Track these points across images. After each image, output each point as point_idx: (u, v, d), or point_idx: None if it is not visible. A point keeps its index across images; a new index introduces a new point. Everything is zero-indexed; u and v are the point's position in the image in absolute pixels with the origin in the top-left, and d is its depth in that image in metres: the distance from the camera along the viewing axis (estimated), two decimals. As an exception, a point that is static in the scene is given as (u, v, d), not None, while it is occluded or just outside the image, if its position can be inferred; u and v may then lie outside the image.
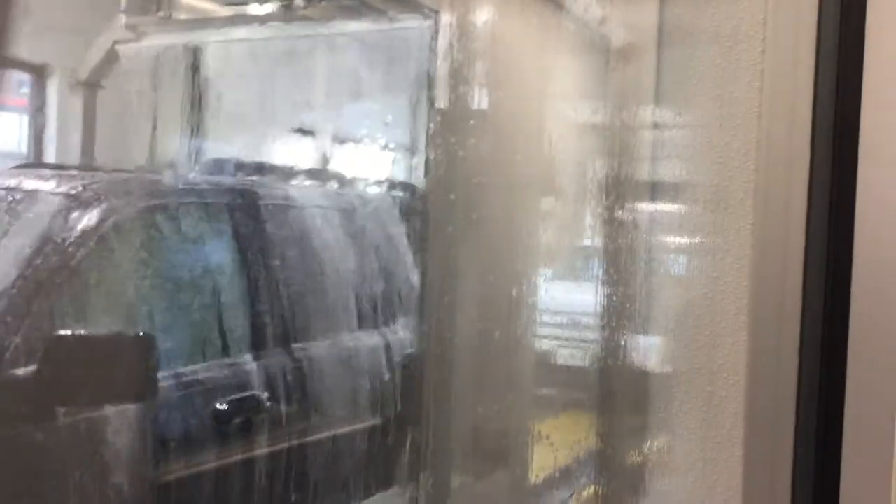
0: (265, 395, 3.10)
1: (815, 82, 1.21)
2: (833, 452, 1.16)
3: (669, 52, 1.31)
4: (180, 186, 3.36)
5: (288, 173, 3.96)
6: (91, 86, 4.12)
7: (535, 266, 1.67)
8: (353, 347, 3.59)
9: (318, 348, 3.45)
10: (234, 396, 2.99)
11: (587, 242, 1.62)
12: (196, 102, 4.36)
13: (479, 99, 1.76)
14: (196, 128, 4.43)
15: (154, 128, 4.15)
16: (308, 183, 4.02)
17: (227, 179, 3.58)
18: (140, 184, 3.20)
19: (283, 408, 3.20)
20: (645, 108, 1.39)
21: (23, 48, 4.25)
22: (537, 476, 1.62)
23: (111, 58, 4.05)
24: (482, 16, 1.81)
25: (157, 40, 4.00)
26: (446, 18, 1.82)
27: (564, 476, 1.66)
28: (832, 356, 1.18)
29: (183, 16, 4.23)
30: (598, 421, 1.42)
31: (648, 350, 1.40)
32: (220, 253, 3.21)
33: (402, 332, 3.76)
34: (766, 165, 1.21)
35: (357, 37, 3.84)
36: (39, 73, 4.58)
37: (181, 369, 2.90)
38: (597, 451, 1.42)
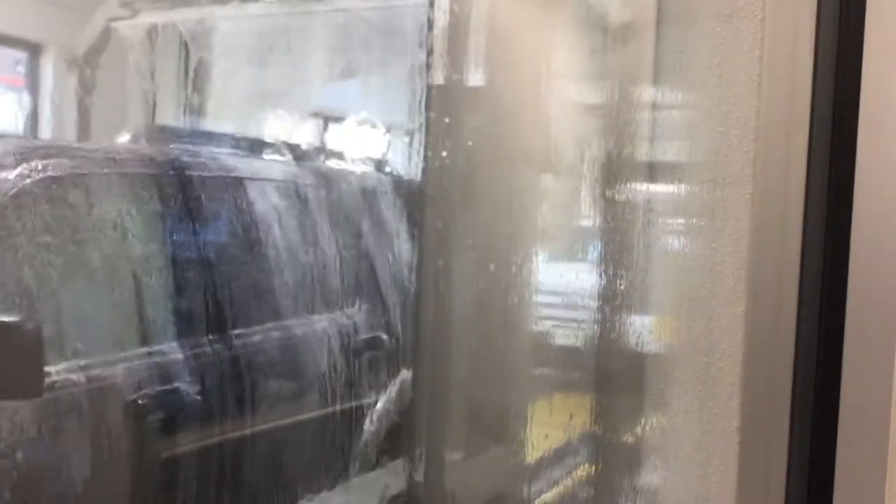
0: (193, 387, 2.77)
1: (815, 55, 1.21)
2: (829, 423, 1.17)
3: (668, 30, 1.30)
4: (101, 156, 2.90)
5: (241, 144, 3.61)
6: (86, 63, 4.10)
7: (532, 245, 1.67)
8: (303, 333, 3.28)
9: (261, 334, 3.11)
10: (151, 390, 2.64)
11: (585, 221, 1.61)
12: (182, 78, 4.34)
13: (476, 76, 1.74)
14: (185, 105, 4.41)
15: (149, 103, 4.13)
16: (262, 156, 3.66)
17: (157, 148, 3.15)
18: (56, 151, 2.76)
19: (214, 401, 2.87)
20: (643, 85, 1.38)
21: (19, 24, 4.22)
22: (532, 455, 1.63)
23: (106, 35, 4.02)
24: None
25: (152, 17, 3.97)
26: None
27: (560, 455, 1.67)
28: (830, 327, 1.19)
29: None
30: (595, 396, 1.43)
31: (645, 326, 1.40)
32: (142, 229, 2.81)
33: (359, 316, 3.52)
34: (765, 137, 1.21)
35: (353, 13, 3.82)
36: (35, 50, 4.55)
37: (87, 360, 2.51)
38: (593, 428, 1.43)
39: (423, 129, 1.74)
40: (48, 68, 4.52)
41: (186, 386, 2.76)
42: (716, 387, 1.23)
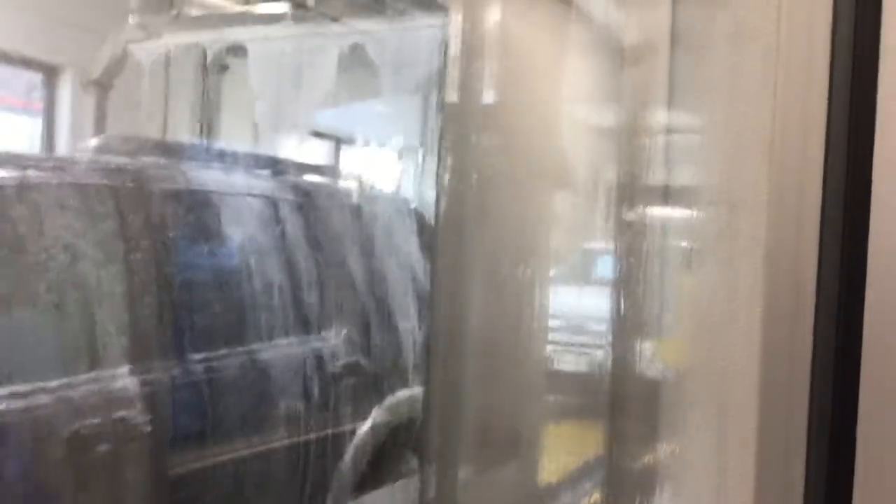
0: (144, 416, 2.50)
1: (830, 81, 1.20)
2: (847, 439, 1.16)
3: (682, 52, 1.30)
4: (51, 164, 2.70)
5: (218, 156, 3.42)
6: (103, 85, 4.14)
7: (545, 267, 1.67)
8: (272, 358, 3.03)
9: (225, 359, 2.85)
10: (95, 420, 2.38)
11: (598, 243, 1.61)
12: (198, 99, 4.38)
13: (490, 97, 1.75)
14: (200, 126, 4.45)
15: (165, 124, 4.17)
16: (239, 169, 3.39)
17: (117, 159, 2.89)
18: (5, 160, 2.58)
19: (168, 431, 2.61)
20: (657, 109, 1.38)
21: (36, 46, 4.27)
22: (545, 480, 1.61)
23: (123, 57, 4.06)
24: (494, 15, 1.80)
25: (169, 39, 4.01)
26: (458, 17, 1.82)
27: (573, 480, 1.65)
28: (847, 343, 1.18)
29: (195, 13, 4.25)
30: (610, 415, 1.42)
31: (660, 346, 1.39)
32: (91, 243, 2.54)
33: (336, 340, 3.26)
34: (780, 164, 1.20)
35: (369, 35, 3.84)
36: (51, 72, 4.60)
37: (21, 387, 2.27)
38: (608, 451, 1.42)
39: (436, 150, 1.74)
40: (65, 90, 4.57)
41: (136, 415, 2.49)
42: (731, 404, 1.22)
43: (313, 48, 3.89)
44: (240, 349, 2.94)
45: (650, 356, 1.39)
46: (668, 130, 1.37)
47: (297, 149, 4.81)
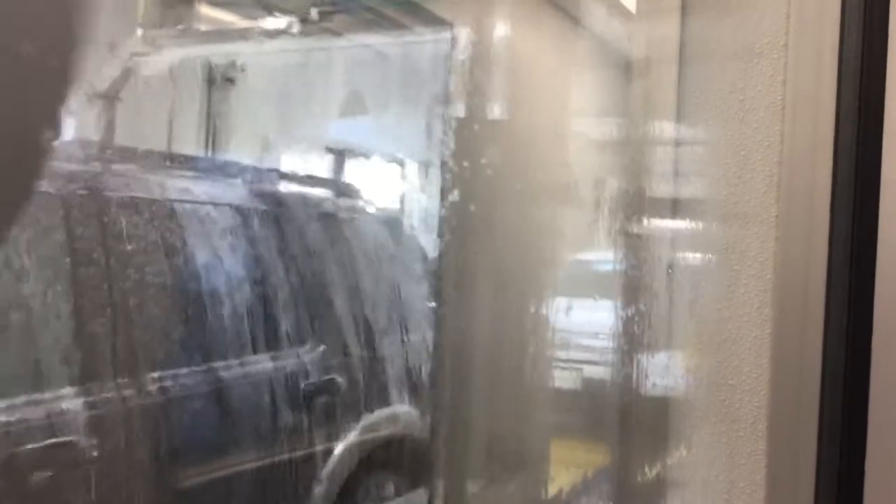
0: (90, 441, 2.31)
1: (838, 96, 1.20)
2: (858, 444, 1.15)
3: (690, 66, 1.30)
4: None
5: (182, 164, 3.20)
6: (108, 98, 4.16)
7: (551, 280, 1.66)
8: (237, 376, 2.82)
9: (184, 379, 2.65)
10: (36, 444, 2.21)
11: (605, 258, 1.61)
12: (203, 113, 4.39)
13: (496, 111, 1.75)
14: (206, 139, 4.45)
15: (169, 138, 4.18)
16: (207, 177, 3.18)
17: (66, 165, 2.71)
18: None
19: (118, 456, 2.41)
20: (665, 122, 1.38)
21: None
22: (553, 494, 1.60)
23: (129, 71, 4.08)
24: (498, 30, 1.81)
25: (174, 53, 4.03)
26: (462, 32, 1.83)
27: (581, 494, 1.64)
28: (857, 350, 1.17)
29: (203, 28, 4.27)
30: (619, 433, 1.41)
31: (668, 356, 1.38)
32: (37, 259, 2.37)
33: (310, 357, 3.08)
34: (788, 178, 1.20)
35: (374, 49, 3.86)
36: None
37: None
38: (616, 465, 1.41)
39: (442, 163, 1.74)
40: (70, 103, 4.59)
41: (82, 439, 2.31)
42: (741, 411, 1.22)
43: (318, 62, 3.91)
44: (201, 368, 2.72)
45: (658, 371, 1.38)
46: (676, 143, 1.37)
47: (302, 162, 4.82)
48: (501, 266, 1.59)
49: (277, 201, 3.29)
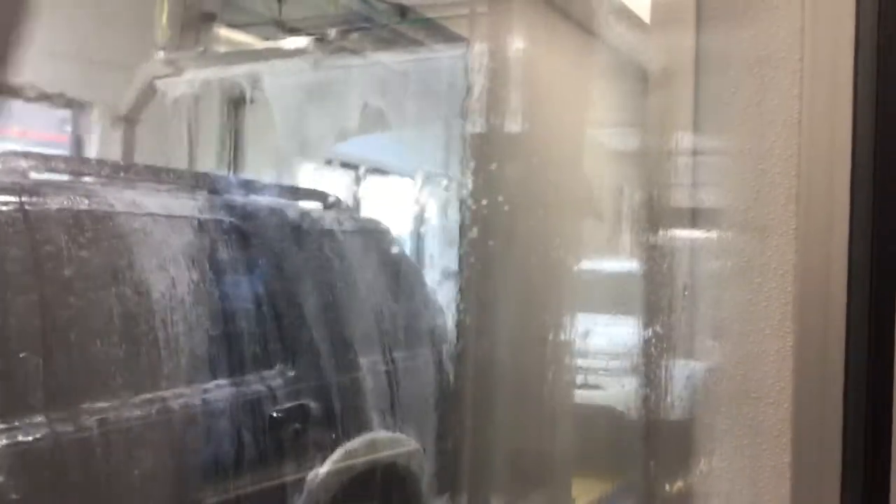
0: (11, 482, 2.02)
1: (854, 104, 1.20)
2: (882, 453, 1.14)
3: (706, 76, 1.30)
4: None
5: (138, 175, 2.89)
6: (130, 120, 4.21)
7: (572, 292, 1.66)
8: (191, 404, 2.50)
9: (128, 409, 2.30)
10: None
11: (626, 269, 1.60)
12: (224, 132, 4.43)
13: (513, 125, 1.76)
14: (228, 158, 4.49)
15: (192, 158, 4.23)
16: (165, 188, 2.85)
17: None
18: None
19: (46, 499, 2.11)
20: (683, 133, 1.38)
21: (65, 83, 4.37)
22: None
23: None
24: (514, 44, 1.82)
25: (194, 75, 4.08)
26: (478, 48, 1.83)
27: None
28: (879, 359, 1.16)
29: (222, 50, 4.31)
30: (643, 445, 1.40)
31: (690, 369, 1.37)
32: None
33: (279, 381, 2.77)
34: (807, 175, 1.20)
35: (391, 67, 3.89)
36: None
37: None
38: (641, 479, 1.40)
39: (459, 178, 1.75)
40: (93, 126, 4.66)
41: (2, 480, 2.03)
42: (765, 424, 1.21)
43: (335, 80, 3.94)
44: (147, 396, 2.39)
45: (681, 384, 1.38)
46: (694, 153, 1.37)
47: (320, 178, 4.85)
48: (521, 279, 1.59)
49: (243, 214, 2.95)
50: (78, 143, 4.75)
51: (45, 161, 2.70)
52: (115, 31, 4.32)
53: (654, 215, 1.44)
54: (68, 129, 4.75)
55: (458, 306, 1.48)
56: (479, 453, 1.49)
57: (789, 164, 1.21)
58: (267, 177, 4.55)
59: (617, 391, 1.51)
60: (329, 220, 3.30)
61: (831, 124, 1.20)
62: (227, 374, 2.66)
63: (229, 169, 4.50)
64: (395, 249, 3.58)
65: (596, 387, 1.63)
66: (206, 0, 4.47)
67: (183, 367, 2.54)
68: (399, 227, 5.83)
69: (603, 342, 1.65)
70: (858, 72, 1.19)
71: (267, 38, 4.51)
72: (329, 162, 4.98)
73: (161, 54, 4.10)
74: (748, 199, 1.24)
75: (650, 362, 1.43)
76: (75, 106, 4.70)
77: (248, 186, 3.32)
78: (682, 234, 1.41)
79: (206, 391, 2.59)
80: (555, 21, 1.77)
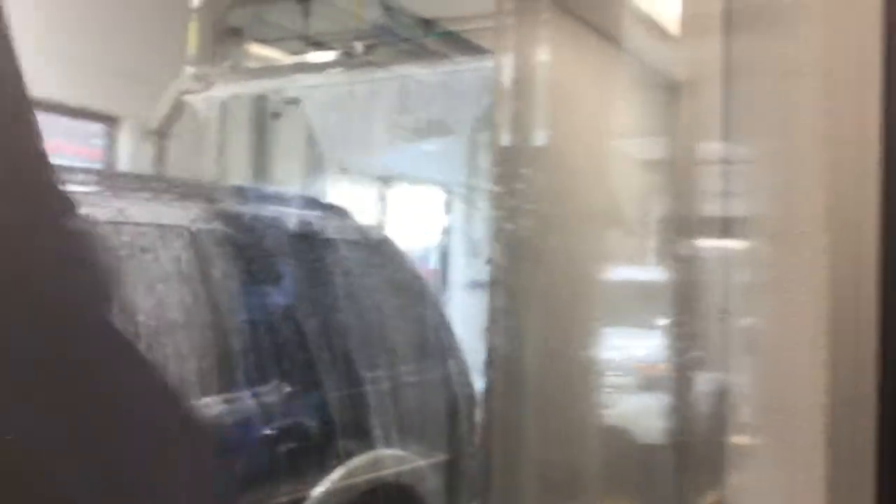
0: None
1: (884, 111, 1.19)
2: None
3: (735, 87, 1.30)
4: None
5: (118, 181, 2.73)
6: (160, 134, 4.27)
7: (602, 303, 1.66)
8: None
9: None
10: None
11: (654, 280, 1.59)
12: (253, 146, 4.45)
13: (539, 137, 1.76)
14: (256, 171, 4.53)
15: (221, 171, 4.28)
16: (147, 195, 2.71)
17: None
18: None
19: None
20: (712, 142, 1.37)
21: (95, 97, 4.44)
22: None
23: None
24: (539, 56, 1.82)
25: (223, 90, 4.13)
26: (503, 60, 1.84)
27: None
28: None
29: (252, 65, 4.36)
30: (675, 458, 1.39)
31: (722, 380, 1.36)
32: None
33: (273, 398, 2.65)
34: (837, 185, 1.19)
35: (417, 80, 3.91)
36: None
37: None
38: (674, 492, 1.39)
39: (488, 189, 1.75)
40: (123, 140, 4.72)
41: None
42: (798, 438, 1.19)
43: (363, 94, 3.97)
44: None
45: (712, 396, 1.37)
46: (724, 162, 1.37)
47: (348, 189, 4.87)
48: (549, 290, 1.59)
49: (237, 222, 2.83)
50: (110, 157, 4.82)
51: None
52: (145, 47, 4.39)
53: (684, 226, 1.44)
54: (97, 142, 4.83)
55: (487, 319, 1.48)
56: (509, 469, 1.49)
57: (819, 176, 1.20)
58: (293, 189, 4.59)
59: (647, 405, 1.50)
60: (326, 228, 3.13)
61: (860, 134, 1.19)
62: (215, 392, 2.51)
63: (256, 181, 4.55)
64: (399, 260, 3.38)
65: (628, 397, 1.62)
66: (234, 15, 4.52)
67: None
68: (425, 238, 5.84)
69: (633, 356, 1.64)
70: (886, 81, 1.18)
71: (294, 53, 4.55)
72: (356, 173, 5.01)
73: (190, 69, 4.16)
74: (779, 213, 1.23)
75: (682, 375, 1.42)
76: (106, 120, 4.77)
77: (239, 194, 3.19)
78: (713, 245, 1.41)
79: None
80: (580, 32, 1.77)
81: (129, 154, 4.69)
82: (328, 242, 3.09)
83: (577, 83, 1.81)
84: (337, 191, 4.67)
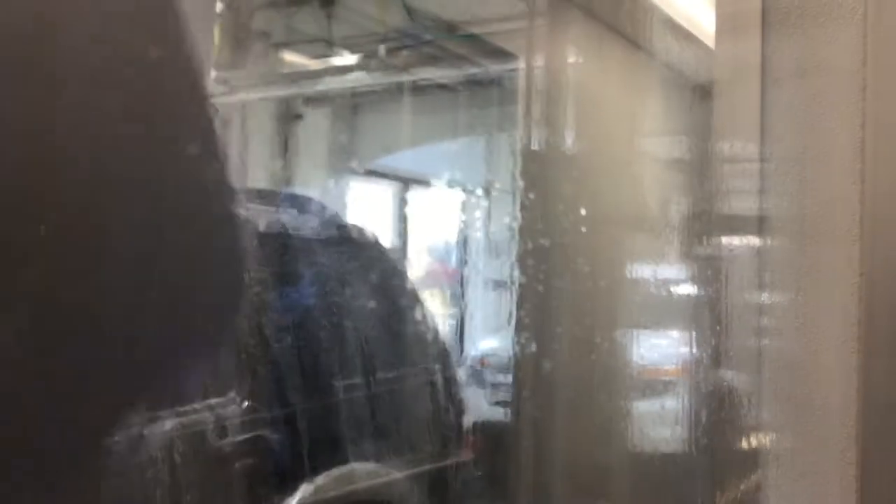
0: None
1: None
2: None
3: (769, 86, 1.29)
4: None
5: None
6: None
7: (630, 306, 1.65)
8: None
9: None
10: None
11: (682, 281, 1.59)
12: (276, 151, 4.48)
13: (566, 139, 1.76)
14: (280, 176, 4.56)
15: (244, 175, 4.30)
16: None
17: None
18: None
19: None
20: (745, 141, 1.37)
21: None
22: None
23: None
24: (563, 60, 1.82)
25: (246, 94, 4.16)
26: (527, 64, 1.84)
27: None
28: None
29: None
30: (707, 459, 1.38)
31: (751, 382, 1.35)
32: None
33: (230, 410, 2.42)
34: (871, 213, 1.18)
35: (440, 83, 3.92)
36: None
37: None
38: (705, 493, 1.38)
39: (512, 190, 1.75)
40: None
41: None
42: (830, 440, 1.18)
43: (385, 97, 3.98)
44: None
45: (744, 398, 1.36)
46: (757, 161, 1.36)
47: (368, 191, 4.88)
48: (577, 293, 1.58)
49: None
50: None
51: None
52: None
53: (713, 227, 1.43)
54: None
55: (516, 318, 1.47)
56: (539, 469, 1.48)
57: (854, 177, 1.19)
58: (316, 192, 4.61)
59: (675, 408, 1.49)
60: (301, 227, 2.94)
61: (894, 134, 1.18)
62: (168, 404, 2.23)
63: (280, 185, 4.57)
64: (384, 262, 3.22)
65: (657, 400, 1.61)
66: (257, 19, 4.55)
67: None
68: (446, 238, 5.85)
69: (660, 357, 1.63)
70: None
71: (317, 56, 4.58)
72: (377, 174, 5.03)
73: (213, 73, 4.19)
74: (811, 212, 1.22)
75: (710, 377, 1.41)
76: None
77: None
78: (743, 245, 1.40)
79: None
80: (606, 35, 1.77)
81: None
82: (301, 242, 2.89)
83: (603, 85, 1.81)
84: (357, 192, 4.69)
